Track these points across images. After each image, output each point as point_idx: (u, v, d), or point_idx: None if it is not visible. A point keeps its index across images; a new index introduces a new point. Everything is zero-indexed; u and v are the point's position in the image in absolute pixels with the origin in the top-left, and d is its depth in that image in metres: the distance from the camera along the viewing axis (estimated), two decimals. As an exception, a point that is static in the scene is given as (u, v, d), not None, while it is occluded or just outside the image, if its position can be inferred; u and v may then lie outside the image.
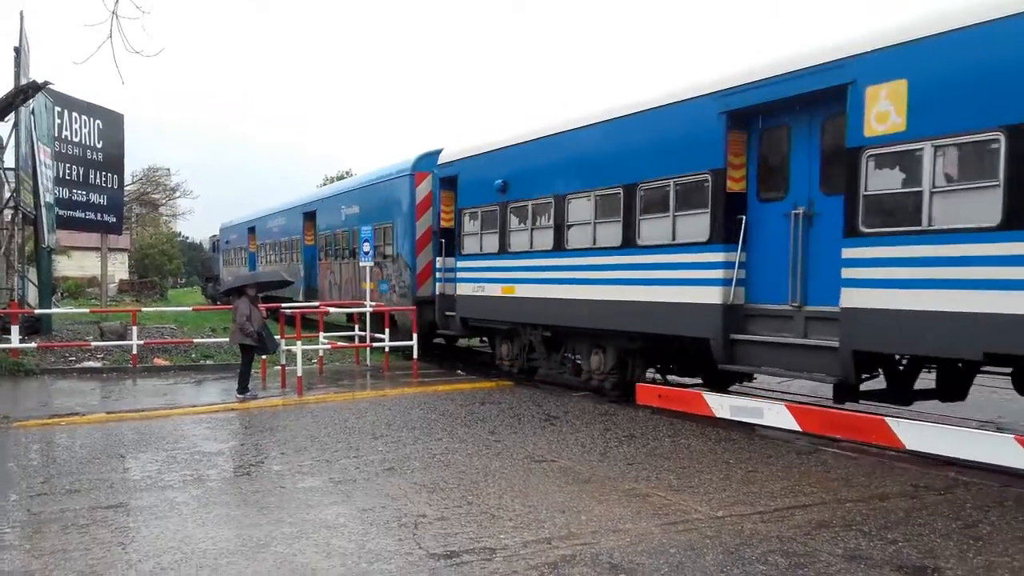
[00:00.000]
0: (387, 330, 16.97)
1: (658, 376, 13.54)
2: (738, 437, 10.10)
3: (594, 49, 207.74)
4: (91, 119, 25.20)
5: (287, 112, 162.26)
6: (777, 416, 9.00)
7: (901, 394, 9.64)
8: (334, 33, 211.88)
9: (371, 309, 17.40)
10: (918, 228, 8.31)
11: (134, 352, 17.49)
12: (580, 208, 13.13)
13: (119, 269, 64.15)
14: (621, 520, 6.74)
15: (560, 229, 13.52)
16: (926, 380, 9.67)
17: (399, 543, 6.22)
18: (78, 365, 17.51)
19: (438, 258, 17.53)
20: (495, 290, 15.39)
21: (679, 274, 11.19)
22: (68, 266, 53.48)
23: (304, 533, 6.48)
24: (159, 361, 18.02)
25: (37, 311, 20.94)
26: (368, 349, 18.05)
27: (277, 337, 14.72)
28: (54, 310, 23.40)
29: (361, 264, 18.11)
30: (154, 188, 66.55)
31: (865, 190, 8.81)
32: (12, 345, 16.79)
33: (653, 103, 11.79)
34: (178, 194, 68.07)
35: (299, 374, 14.31)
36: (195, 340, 19.89)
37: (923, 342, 8.41)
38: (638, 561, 5.80)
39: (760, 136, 10.48)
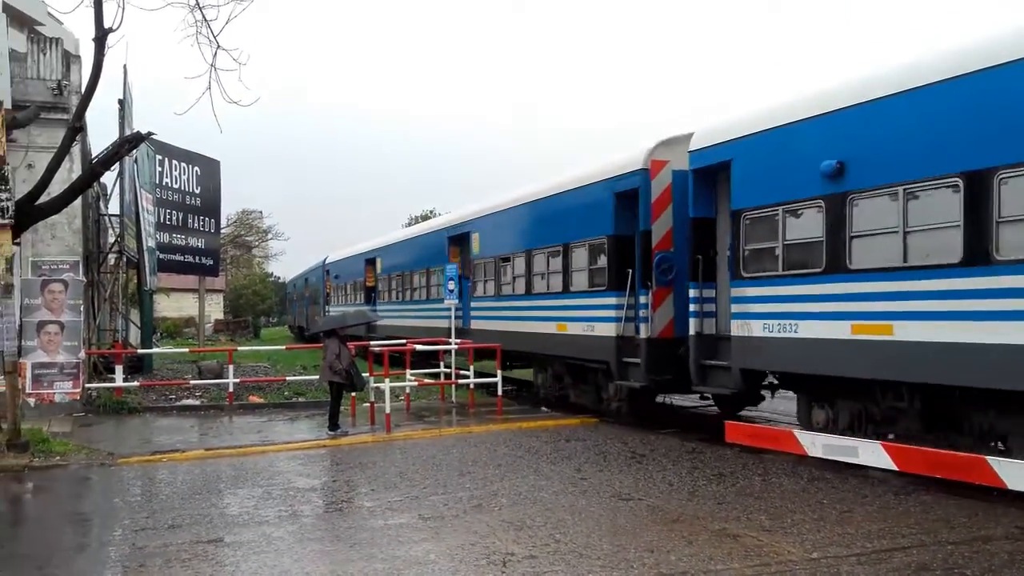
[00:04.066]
0: (471, 367, 17.12)
1: None
2: (831, 476, 9.81)
3: (593, 51, 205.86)
4: (190, 166, 26.30)
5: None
6: (873, 456, 8.69)
7: None
8: (347, 41, 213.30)
9: (456, 347, 17.60)
10: None
11: (230, 390, 18.09)
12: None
13: (214, 309, 66.54)
14: (712, 561, 6.64)
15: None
16: None
17: (488, 581, 6.27)
18: (178, 403, 18.20)
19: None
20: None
21: None
22: (167, 307, 55.67)
23: (396, 570, 6.58)
24: (254, 399, 18.58)
25: (139, 351, 21.85)
26: (453, 386, 18.25)
27: (365, 374, 15.03)
28: (155, 350, 24.37)
29: (447, 302, 18.50)
30: (247, 231, 68.93)
31: None
32: (116, 384, 17.56)
33: None
34: (270, 236, 70.37)
35: (387, 411, 14.55)
36: (288, 378, 20.48)
37: None
38: (730, 603, 5.71)
39: None
